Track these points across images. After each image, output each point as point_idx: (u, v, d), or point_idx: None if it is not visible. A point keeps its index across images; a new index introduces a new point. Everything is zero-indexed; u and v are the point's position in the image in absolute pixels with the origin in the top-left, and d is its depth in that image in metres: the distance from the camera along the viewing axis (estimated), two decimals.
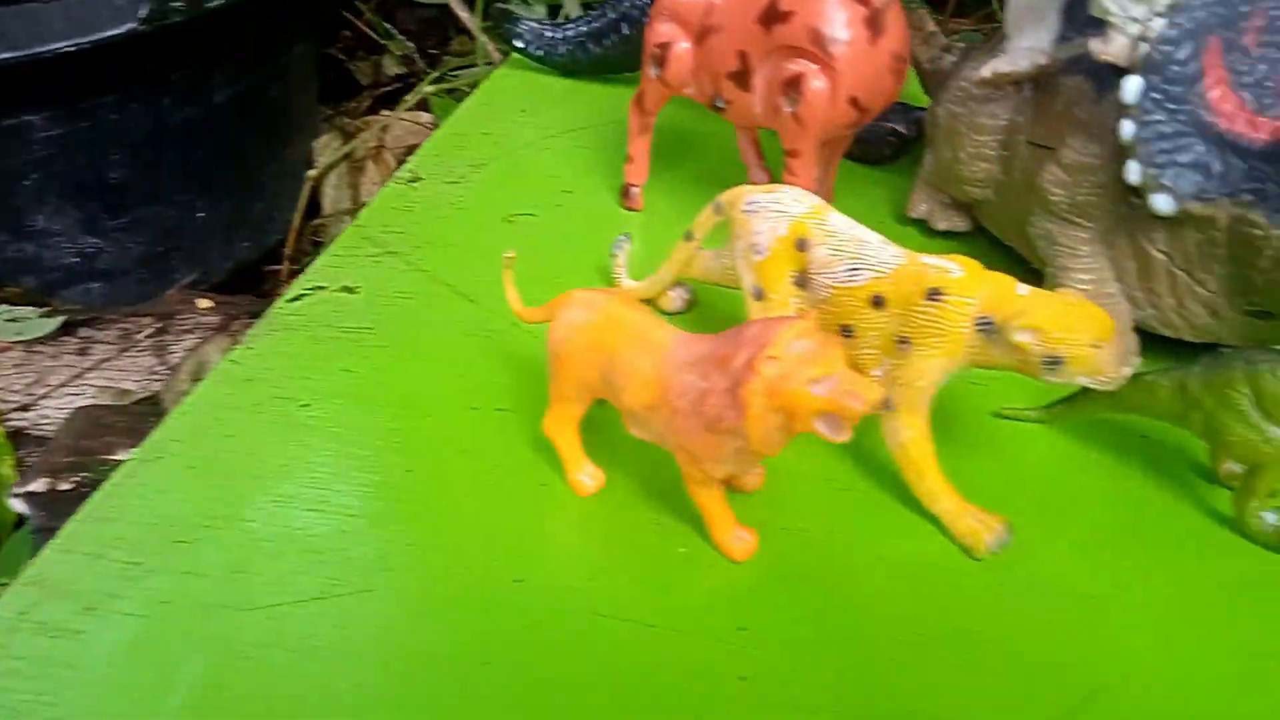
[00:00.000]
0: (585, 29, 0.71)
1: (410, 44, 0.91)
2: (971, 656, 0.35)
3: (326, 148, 0.76)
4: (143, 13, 0.55)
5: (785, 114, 0.49)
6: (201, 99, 0.64)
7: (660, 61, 0.54)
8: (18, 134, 0.59)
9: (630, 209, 0.60)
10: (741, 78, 0.51)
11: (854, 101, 0.49)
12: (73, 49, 0.56)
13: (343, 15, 0.93)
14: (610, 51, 0.70)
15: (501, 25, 0.73)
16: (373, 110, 0.90)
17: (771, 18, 0.49)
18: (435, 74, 0.82)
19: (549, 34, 0.73)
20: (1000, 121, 0.51)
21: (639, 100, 0.57)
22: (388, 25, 0.91)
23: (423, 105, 0.89)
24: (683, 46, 0.53)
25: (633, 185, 0.59)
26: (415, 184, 0.62)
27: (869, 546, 0.39)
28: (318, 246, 0.76)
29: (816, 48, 0.47)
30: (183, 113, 0.63)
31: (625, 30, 0.69)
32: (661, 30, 0.54)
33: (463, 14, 0.81)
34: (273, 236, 0.73)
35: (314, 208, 0.77)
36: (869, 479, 0.42)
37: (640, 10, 0.68)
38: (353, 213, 0.74)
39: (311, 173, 0.74)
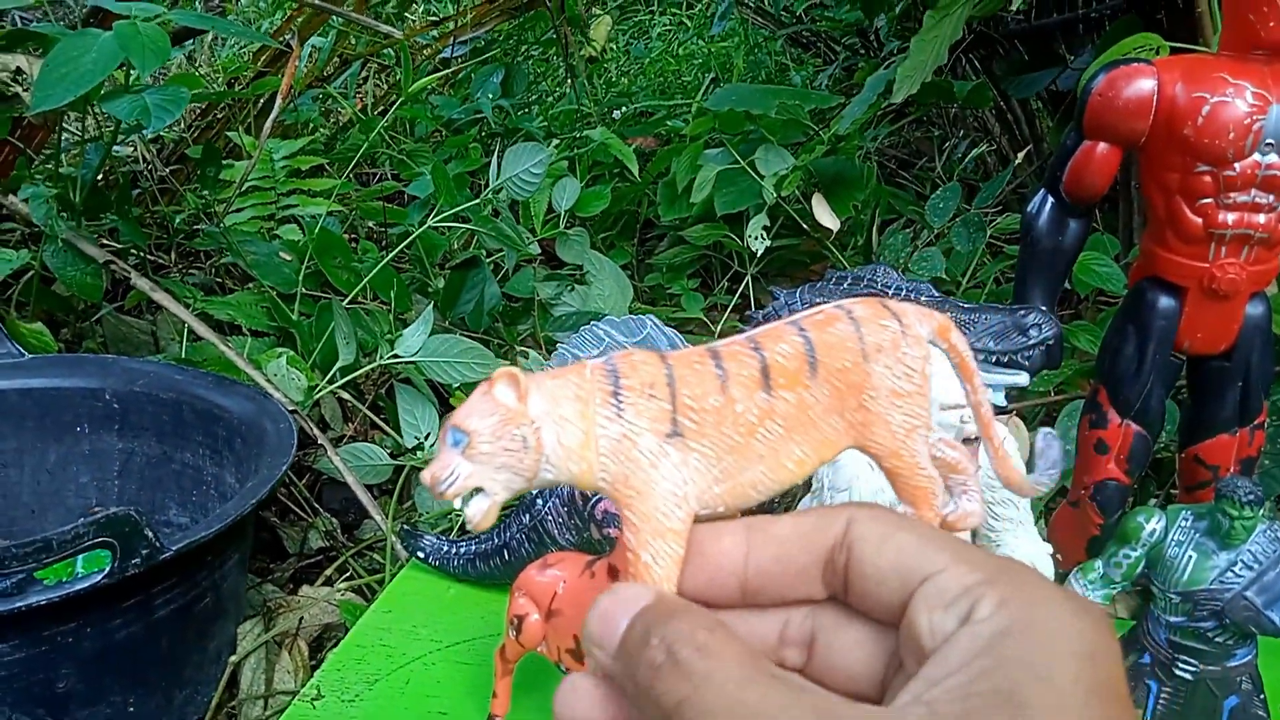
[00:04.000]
0: (476, 549, 0.87)
1: (334, 521, 1.07)
2: None
3: (249, 634, 0.89)
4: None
5: None
6: (145, 617, 0.77)
7: (518, 628, 0.69)
8: None
9: None
10: (576, 654, 0.66)
11: None
12: (45, 602, 0.69)
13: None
14: (494, 571, 0.86)
15: (406, 541, 0.89)
16: (295, 579, 1.04)
17: None
18: (341, 583, 0.97)
19: (445, 548, 0.88)
20: None
21: (502, 651, 0.71)
22: (316, 505, 1.07)
23: (342, 569, 1.03)
24: (534, 619, 0.68)
25: (496, 716, 0.72)
26: (317, 702, 0.74)
27: None
28: None
29: None
30: (127, 630, 0.76)
31: (507, 556, 0.85)
32: (520, 602, 0.69)
33: (377, 516, 0.97)
34: (192, 718, 0.84)
35: (231, 682, 0.88)
36: None
37: (519, 542, 0.84)
38: (265, 699, 0.85)
39: (233, 659, 0.86)
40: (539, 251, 1.44)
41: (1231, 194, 0.68)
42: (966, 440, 0.52)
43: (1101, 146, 0.72)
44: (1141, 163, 0.73)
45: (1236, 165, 0.67)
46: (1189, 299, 0.73)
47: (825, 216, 1.35)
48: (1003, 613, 0.24)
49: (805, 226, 1.40)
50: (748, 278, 1.43)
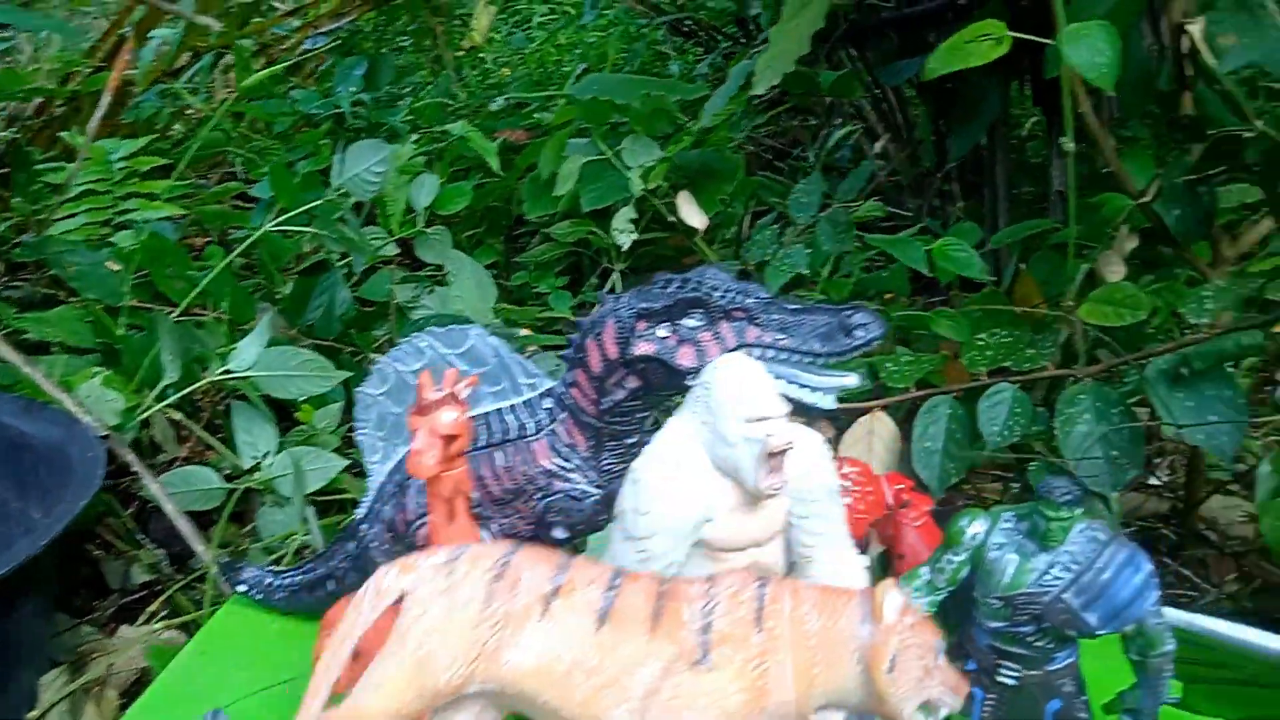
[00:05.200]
0: (300, 579, 0.81)
1: (160, 551, 0.99)
2: None
3: (52, 685, 0.81)
4: None
5: None
6: None
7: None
8: None
9: None
10: None
11: None
12: None
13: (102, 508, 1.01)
14: (320, 603, 0.80)
15: (225, 573, 0.82)
16: (118, 617, 0.96)
17: None
18: (160, 622, 0.90)
19: (268, 580, 0.82)
20: None
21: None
22: (140, 537, 0.99)
23: (170, 611, 0.96)
24: None
25: None
26: None
27: None
28: None
29: None
30: None
31: (333, 586, 0.79)
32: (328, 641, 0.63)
33: (199, 548, 0.90)
34: None
35: None
36: None
37: (344, 571, 0.78)
38: None
39: (31, 716, 0.79)
40: (397, 252, 1.37)
41: None
42: (773, 454, 0.48)
43: None
44: None
45: None
46: None
47: (692, 216, 1.31)
48: None
49: (674, 220, 1.36)
50: (614, 274, 1.39)
